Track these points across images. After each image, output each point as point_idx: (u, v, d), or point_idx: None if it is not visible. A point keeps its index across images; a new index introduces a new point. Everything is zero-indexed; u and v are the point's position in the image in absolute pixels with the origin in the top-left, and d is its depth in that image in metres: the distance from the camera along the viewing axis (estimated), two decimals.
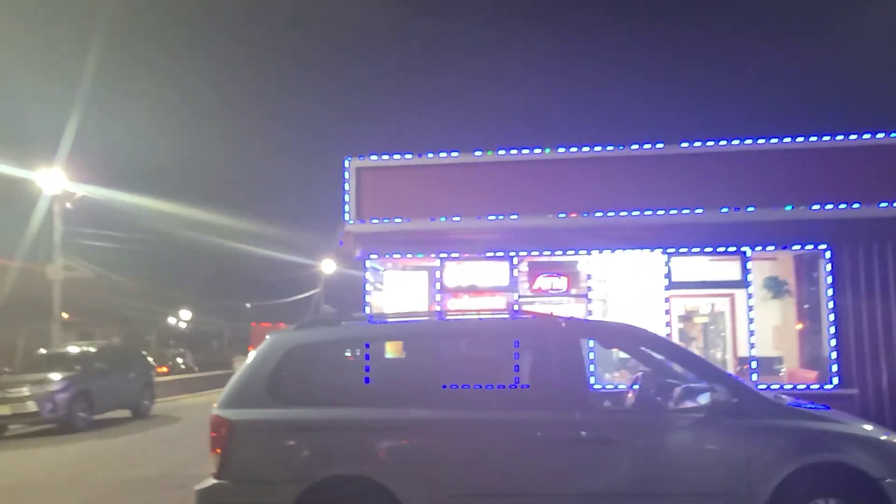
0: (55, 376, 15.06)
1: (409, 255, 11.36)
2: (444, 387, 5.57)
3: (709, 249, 10.54)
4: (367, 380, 5.68)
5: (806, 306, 11.08)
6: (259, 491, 5.36)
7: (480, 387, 5.64)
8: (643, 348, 6.37)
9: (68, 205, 24.01)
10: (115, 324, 40.19)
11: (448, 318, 6.43)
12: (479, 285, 11.17)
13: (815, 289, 10.78)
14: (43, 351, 17.79)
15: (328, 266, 49.63)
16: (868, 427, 5.63)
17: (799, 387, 9.93)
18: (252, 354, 5.77)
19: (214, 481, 5.37)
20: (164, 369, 41.06)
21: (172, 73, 66.20)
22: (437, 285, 11.13)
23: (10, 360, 25.51)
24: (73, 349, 17.31)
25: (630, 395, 6.48)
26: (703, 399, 5.53)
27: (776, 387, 9.75)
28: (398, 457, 5.38)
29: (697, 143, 10.56)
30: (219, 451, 5.42)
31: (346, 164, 11.36)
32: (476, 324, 6.21)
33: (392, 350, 6.73)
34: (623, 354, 10.27)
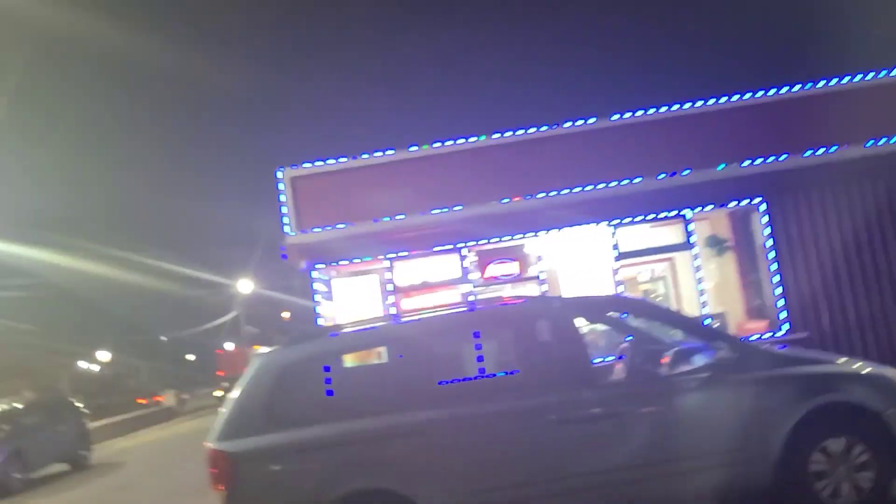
0: None
1: (357, 260, 11.08)
2: (445, 383, 5.46)
3: (651, 216, 10.76)
4: (367, 389, 5.48)
5: (745, 260, 11.50)
6: None
7: (485, 377, 5.55)
8: (631, 317, 6.41)
9: None
10: (17, 376, 37.87)
11: (439, 314, 6.26)
12: (431, 281, 11.03)
13: (751, 242, 11.18)
14: None
15: (245, 286, 48.14)
16: (854, 363, 5.85)
17: (752, 337, 10.28)
18: (242, 381, 5.45)
19: None
20: (161, 398, 41.98)
21: (70, 106, 62.26)
22: (389, 286, 10.91)
23: None
24: None
25: (619, 365, 6.52)
26: (703, 359, 5.60)
27: None
28: (412, 462, 5.21)
29: (628, 114, 10.74)
30: (222, 487, 5.12)
31: (279, 174, 10.97)
32: (468, 316, 6.06)
33: (379, 356, 6.53)
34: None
